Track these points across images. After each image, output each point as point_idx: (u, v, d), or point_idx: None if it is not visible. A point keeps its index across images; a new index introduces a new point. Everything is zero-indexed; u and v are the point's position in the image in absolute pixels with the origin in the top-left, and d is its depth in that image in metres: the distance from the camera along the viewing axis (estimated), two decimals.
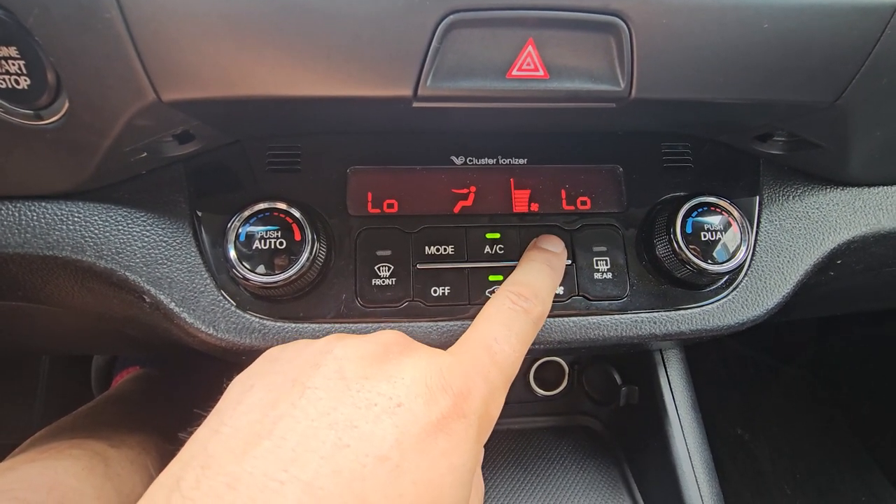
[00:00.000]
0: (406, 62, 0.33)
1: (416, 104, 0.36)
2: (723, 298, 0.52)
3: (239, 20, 0.31)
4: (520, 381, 0.78)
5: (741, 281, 0.52)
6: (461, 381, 0.33)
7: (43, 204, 0.45)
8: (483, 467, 0.73)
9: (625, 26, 0.33)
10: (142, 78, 0.33)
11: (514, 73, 0.34)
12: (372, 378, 0.31)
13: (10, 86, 0.37)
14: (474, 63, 0.33)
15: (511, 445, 0.73)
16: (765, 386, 1.40)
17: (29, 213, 0.45)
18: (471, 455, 0.31)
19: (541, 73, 0.34)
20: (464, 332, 0.48)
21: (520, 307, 0.39)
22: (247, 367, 0.35)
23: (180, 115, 0.38)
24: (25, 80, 0.36)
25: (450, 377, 0.32)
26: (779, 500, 1.24)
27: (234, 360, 0.56)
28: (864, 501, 1.22)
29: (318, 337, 0.47)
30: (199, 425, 0.32)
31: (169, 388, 1.00)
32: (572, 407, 0.79)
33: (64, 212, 0.45)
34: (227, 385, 0.34)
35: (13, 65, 0.36)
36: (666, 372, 0.68)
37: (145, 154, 0.43)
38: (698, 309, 0.51)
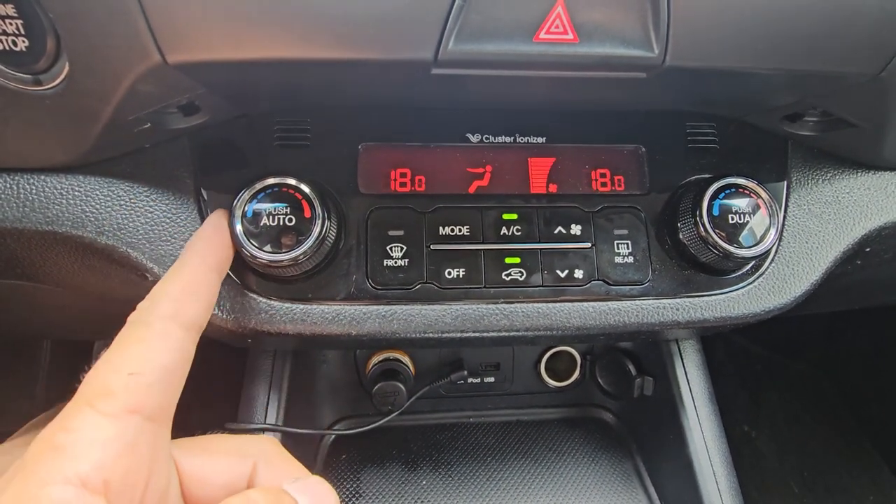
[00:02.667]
0: (427, 21, 0.30)
1: (435, 70, 0.34)
2: (749, 285, 0.50)
3: None
4: (531, 372, 0.76)
5: (768, 267, 0.50)
6: None
7: (42, 177, 0.43)
8: (492, 459, 0.72)
9: None
10: (146, 38, 0.31)
11: (542, 35, 0.32)
12: None
13: (7, 47, 0.35)
14: (500, 24, 0.31)
15: (521, 437, 0.72)
16: (772, 383, 1.38)
17: (27, 186, 0.43)
18: None
19: (570, 36, 0.32)
20: (479, 316, 0.46)
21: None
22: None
23: (186, 81, 0.36)
24: (24, 42, 0.35)
25: None
26: (786, 497, 1.23)
27: (240, 344, 0.55)
28: (872, 500, 1.21)
29: (328, 321, 0.45)
30: None
31: None
32: (584, 398, 0.77)
33: (64, 185, 0.43)
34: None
35: (10, 24, 0.34)
36: (682, 363, 0.66)
37: (149, 125, 0.41)
38: (723, 296, 0.49)
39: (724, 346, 1.36)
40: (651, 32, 0.32)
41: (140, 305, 0.35)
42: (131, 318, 0.34)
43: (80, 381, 0.28)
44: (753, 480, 1.27)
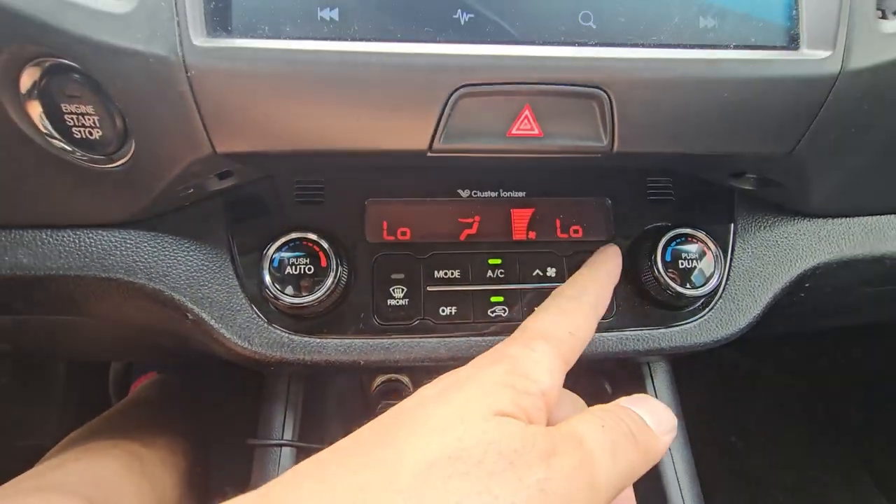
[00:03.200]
0: (423, 125, 0.39)
1: (430, 154, 0.43)
2: (700, 318, 0.58)
3: (285, 93, 0.38)
4: None
5: (716, 303, 0.58)
6: None
7: (100, 232, 0.51)
8: None
9: (606, 96, 0.39)
10: (202, 136, 0.40)
11: (514, 132, 0.41)
12: None
13: (84, 136, 0.43)
14: (480, 125, 0.40)
15: None
16: (758, 395, 1.43)
17: (87, 240, 0.51)
18: None
19: (536, 132, 0.41)
20: (468, 346, 0.54)
21: (508, 384, 0.34)
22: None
23: (228, 161, 0.45)
24: (98, 132, 0.43)
25: None
26: None
27: (263, 370, 0.62)
28: None
29: (340, 352, 0.53)
30: None
31: (185, 393, 1.06)
32: None
33: (118, 239, 0.51)
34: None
35: (88, 119, 0.42)
36: (653, 383, 0.74)
37: (192, 190, 0.50)
38: (678, 328, 0.57)
39: (711, 358, 1.42)
40: (601, 128, 0.41)
41: (569, 288, 0.47)
42: (562, 293, 0.46)
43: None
44: (739, 490, 1.32)
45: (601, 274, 0.49)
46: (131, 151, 0.44)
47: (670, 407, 0.74)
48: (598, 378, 0.79)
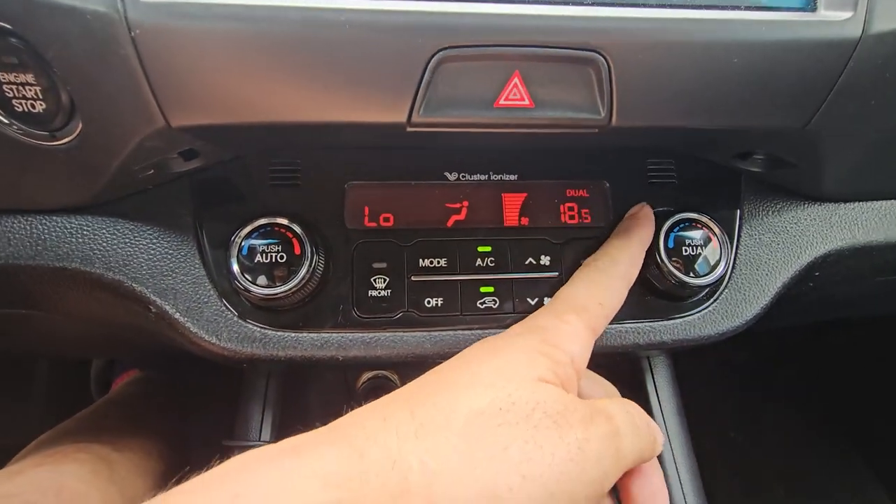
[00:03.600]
0: (400, 94, 0.35)
1: (409, 129, 0.38)
2: (704, 309, 0.54)
3: (243, 56, 0.33)
4: None
5: (721, 293, 0.54)
6: None
7: (53, 218, 0.47)
8: None
9: (604, 61, 0.35)
10: (153, 106, 0.35)
11: (502, 102, 0.36)
12: None
13: (26, 109, 0.39)
14: (464, 94, 0.36)
15: None
16: (759, 389, 1.41)
17: (40, 227, 0.47)
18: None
19: (526, 102, 0.37)
20: (456, 341, 0.51)
21: (545, 353, 0.39)
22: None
23: (187, 137, 0.40)
24: (41, 105, 0.39)
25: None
26: (771, 500, 1.25)
27: (235, 367, 0.58)
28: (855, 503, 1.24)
29: (317, 348, 0.49)
30: None
31: (168, 392, 1.02)
32: None
33: (73, 225, 0.47)
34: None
35: (30, 90, 0.38)
36: (653, 378, 0.70)
37: (152, 171, 0.45)
38: (680, 320, 0.53)
39: (711, 353, 1.39)
40: (597, 99, 0.37)
41: (599, 259, 0.48)
42: (593, 264, 0.48)
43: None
44: (739, 484, 1.30)
45: (633, 242, 0.49)
46: (79, 127, 0.39)
47: (671, 402, 0.71)
48: (596, 371, 0.75)
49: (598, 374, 0.74)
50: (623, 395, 0.71)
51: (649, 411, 0.69)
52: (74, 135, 0.40)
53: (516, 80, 0.36)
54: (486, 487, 0.29)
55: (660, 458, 0.66)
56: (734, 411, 1.38)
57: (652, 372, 0.71)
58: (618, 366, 0.74)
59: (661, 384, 0.70)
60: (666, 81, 0.36)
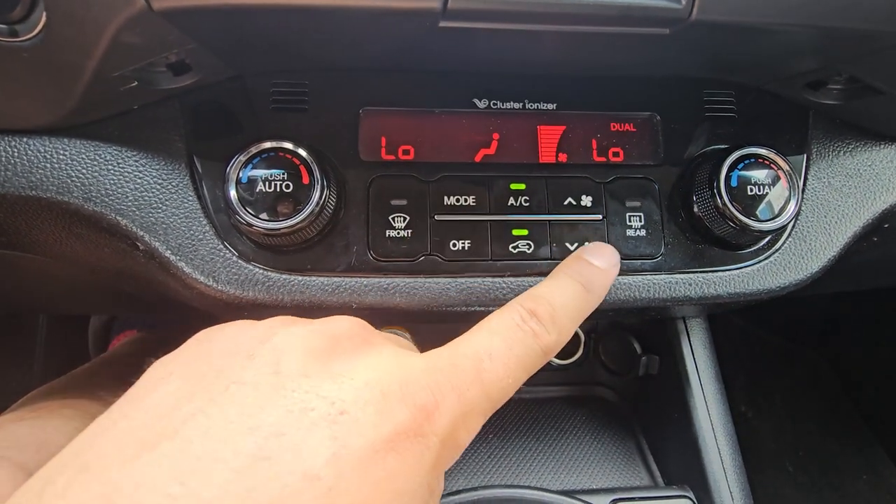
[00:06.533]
0: None
1: (443, 23, 0.32)
2: (764, 260, 0.48)
3: None
4: None
5: (785, 242, 0.48)
6: (427, 392, 0.27)
7: (25, 139, 0.41)
8: (494, 435, 0.71)
9: None
10: None
11: None
12: (314, 376, 0.26)
13: None
14: None
15: (523, 414, 0.71)
16: (770, 365, 1.39)
17: (9, 149, 0.41)
18: (422, 484, 0.25)
19: None
20: (484, 290, 0.45)
21: (528, 329, 0.33)
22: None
23: (174, 33, 0.33)
24: None
25: (414, 385, 0.27)
26: (781, 476, 1.24)
27: (236, 318, 0.53)
28: (865, 479, 1.22)
29: (328, 293, 0.43)
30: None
31: (165, 351, 0.97)
32: (587, 377, 0.76)
33: (48, 148, 0.41)
34: (148, 366, 0.29)
35: None
36: (689, 341, 0.65)
37: (136, 83, 0.39)
38: (737, 271, 0.47)
39: (723, 327, 1.35)
40: None
41: (574, 259, 0.40)
42: (564, 270, 0.39)
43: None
44: (749, 460, 1.27)
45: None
46: (42, 18, 0.33)
47: (710, 368, 0.66)
48: (625, 336, 0.70)
49: (630, 338, 0.69)
50: (659, 359, 0.66)
51: (685, 377, 0.63)
52: (38, 28, 0.33)
53: None
54: None
55: (697, 425, 0.61)
56: (745, 387, 1.36)
57: (689, 335, 0.65)
58: (650, 330, 0.69)
59: (698, 349, 0.65)
60: None
